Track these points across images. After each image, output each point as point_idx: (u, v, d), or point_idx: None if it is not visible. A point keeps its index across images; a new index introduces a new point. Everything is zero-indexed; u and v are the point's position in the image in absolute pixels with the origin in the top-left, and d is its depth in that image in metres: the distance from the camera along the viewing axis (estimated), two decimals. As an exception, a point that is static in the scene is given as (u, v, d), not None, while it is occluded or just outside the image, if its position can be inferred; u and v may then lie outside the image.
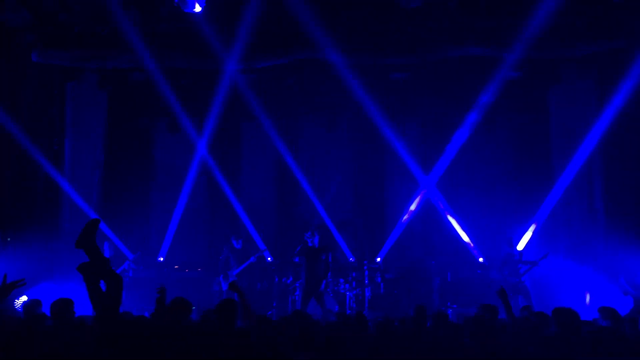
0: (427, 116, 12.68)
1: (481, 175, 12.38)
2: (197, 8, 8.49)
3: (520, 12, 8.97)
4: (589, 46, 9.71)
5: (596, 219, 10.56)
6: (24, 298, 9.13)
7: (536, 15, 8.84)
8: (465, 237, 11.90)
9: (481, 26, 9.59)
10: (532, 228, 10.88)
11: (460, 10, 9.17)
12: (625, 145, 9.99)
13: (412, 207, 12.22)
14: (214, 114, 11.51)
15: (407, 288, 10.99)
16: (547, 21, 8.80)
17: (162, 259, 11.86)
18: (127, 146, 12.31)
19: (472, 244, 11.79)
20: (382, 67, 10.58)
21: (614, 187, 10.26)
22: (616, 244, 9.77)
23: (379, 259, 11.90)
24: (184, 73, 11.10)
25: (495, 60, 10.10)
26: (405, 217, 12.16)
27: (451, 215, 12.08)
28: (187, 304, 5.06)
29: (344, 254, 12.21)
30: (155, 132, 12.98)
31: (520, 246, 10.69)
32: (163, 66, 10.39)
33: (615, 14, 9.12)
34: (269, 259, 11.92)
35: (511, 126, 12.35)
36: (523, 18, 8.97)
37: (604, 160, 10.49)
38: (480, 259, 11.65)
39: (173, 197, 12.16)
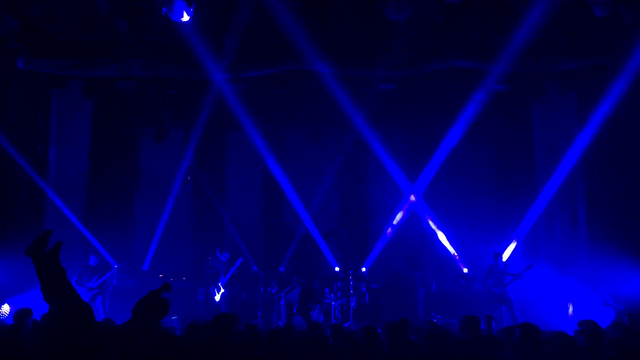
0: (414, 128, 12.79)
1: (466, 186, 12.50)
2: (185, 17, 8.49)
3: (505, 27, 9.12)
4: (572, 62, 9.92)
5: (578, 230, 10.71)
6: (6, 307, 9.05)
7: (521, 31, 8.99)
8: (449, 248, 11.98)
9: (467, 40, 9.73)
10: (513, 244, 10.98)
11: (446, 24, 9.30)
12: (607, 158, 10.16)
13: (395, 221, 12.29)
14: (200, 124, 11.51)
15: (391, 298, 11.01)
16: (531, 37, 8.96)
17: (146, 268, 11.77)
18: (113, 155, 12.25)
19: (456, 255, 11.88)
20: (369, 79, 10.66)
21: (596, 199, 10.42)
22: (598, 255, 9.90)
23: (364, 269, 11.92)
24: (171, 82, 11.09)
25: (480, 74, 10.25)
26: (389, 230, 12.23)
27: (436, 226, 12.16)
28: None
29: (329, 264, 12.24)
30: (141, 141, 12.94)
31: (504, 257, 10.80)
32: (150, 75, 10.39)
33: (598, 32, 9.30)
34: (254, 268, 11.91)
35: (496, 139, 12.51)
36: (508, 33, 9.12)
37: (586, 173, 10.66)
38: (465, 270, 11.74)
39: (158, 206, 12.12)
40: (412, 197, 12.20)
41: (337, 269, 12.06)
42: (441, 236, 12.08)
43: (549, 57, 9.81)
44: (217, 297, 10.39)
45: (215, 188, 12.39)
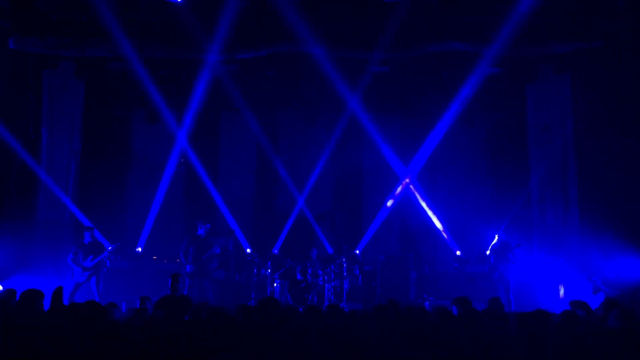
0: (407, 110, 12.77)
1: (459, 168, 12.53)
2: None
3: (499, 9, 9.09)
4: (566, 45, 9.90)
5: (570, 213, 10.78)
6: (-1, 287, 9.04)
7: (515, 13, 8.96)
8: (442, 230, 12.05)
9: (461, 22, 9.69)
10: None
11: (440, 6, 9.25)
12: (599, 142, 10.20)
13: (389, 204, 12.33)
14: (193, 105, 11.44)
15: (384, 280, 11.09)
16: (525, 19, 8.93)
17: (140, 249, 11.78)
18: (105, 135, 12.16)
19: (446, 236, 11.95)
20: (363, 61, 10.61)
21: (589, 181, 10.48)
22: (589, 238, 9.98)
23: (357, 251, 11.98)
24: (164, 63, 11.00)
25: (474, 56, 10.22)
26: (390, 202, 12.22)
27: (429, 209, 12.21)
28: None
29: (323, 246, 12.28)
30: (134, 122, 12.85)
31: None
32: (142, 55, 10.28)
33: (592, 14, 9.28)
34: (248, 250, 11.92)
35: (489, 121, 12.51)
36: (502, 15, 9.09)
37: (578, 155, 10.70)
38: (458, 252, 11.81)
39: (151, 187, 12.07)
40: (406, 180, 12.22)
41: (330, 251, 12.13)
42: (434, 218, 12.12)
43: (543, 39, 9.80)
44: None
45: (208, 169, 12.35)
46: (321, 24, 9.58)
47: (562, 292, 10.02)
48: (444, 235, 12.03)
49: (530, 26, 9.10)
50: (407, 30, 9.74)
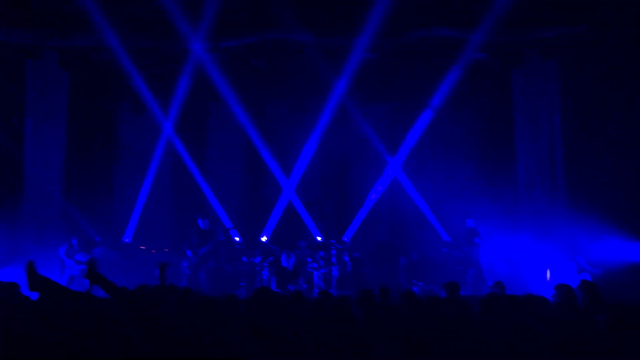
0: (395, 97, 12.77)
1: (446, 154, 12.59)
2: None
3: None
4: (552, 30, 9.92)
5: (557, 197, 10.85)
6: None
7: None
8: (430, 216, 12.12)
9: (447, 7, 9.67)
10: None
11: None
12: (586, 127, 10.26)
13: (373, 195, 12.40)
14: (179, 95, 11.39)
15: (373, 267, 11.16)
16: (512, 4, 8.94)
17: (127, 240, 11.74)
18: (91, 126, 12.07)
19: (434, 223, 12.05)
20: (349, 48, 10.57)
21: (576, 167, 10.55)
22: (576, 222, 10.06)
23: (346, 239, 12.02)
24: (149, 52, 10.89)
25: (460, 42, 10.22)
26: (373, 196, 12.31)
27: (418, 195, 12.26)
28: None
29: (311, 234, 12.31)
30: (120, 113, 12.78)
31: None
32: (127, 45, 10.19)
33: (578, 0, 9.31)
34: (237, 238, 11.91)
35: (476, 107, 12.55)
36: (489, 0, 9.08)
37: (565, 140, 10.76)
38: (446, 238, 11.89)
39: (139, 177, 12.03)
40: (394, 166, 12.27)
41: (319, 238, 12.16)
42: (422, 205, 12.18)
43: (529, 24, 9.82)
44: None
45: (196, 159, 12.31)
46: (307, 10, 9.53)
47: (549, 275, 10.12)
48: (432, 221, 12.10)
49: (515, 11, 9.11)
50: (393, 17, 9.71)
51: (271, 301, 5.00)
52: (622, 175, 9.96)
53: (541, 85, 11.04)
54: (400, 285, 10.63)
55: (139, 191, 11.91)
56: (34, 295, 4.99)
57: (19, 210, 10.61)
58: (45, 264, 9.90)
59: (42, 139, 11.01)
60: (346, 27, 10.00)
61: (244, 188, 13.16)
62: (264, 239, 11.88)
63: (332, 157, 13.04)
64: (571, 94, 10.57)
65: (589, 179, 10.25)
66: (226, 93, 11.64)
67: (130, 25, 9.85)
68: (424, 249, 11.87)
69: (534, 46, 10.76)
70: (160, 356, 3.80)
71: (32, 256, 10.07)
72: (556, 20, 9.82)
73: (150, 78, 11.14)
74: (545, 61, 10.94)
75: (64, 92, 11.35)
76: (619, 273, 8.94)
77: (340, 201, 13.00)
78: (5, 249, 9.91)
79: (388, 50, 10.84)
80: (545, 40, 10.26)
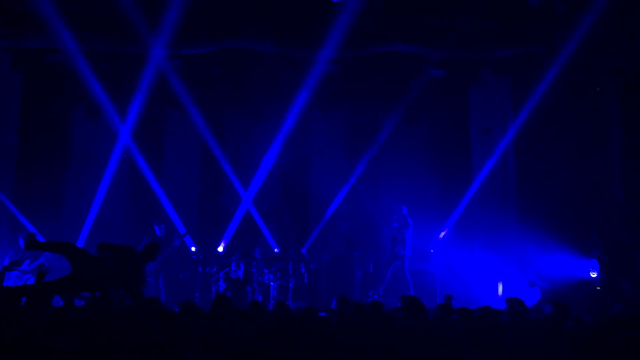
0: (355, 110, 12.85)
1: (403, 168, 12.69)
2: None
3: (443, 12, 9.28)
4: (506, 49, 10.22)
5: (508, 212, 11.13)
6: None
7: (459, 17, 9.18)
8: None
9: (407, 24, 9.84)
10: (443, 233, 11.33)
11: (387, 7, 9.37)
12: (537, 144, 10.59)
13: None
14: (137, 100, 11.18)
15: (329, 279, 11.17)
16: (468, 23, 9.17)
17: (80, 245, 11.41)
18: (44, 130, 11.73)
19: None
20: (310, 59, 10.62)
21: (526, 183, 10.87)
22: (527, 237, 10.33)
23: (303, 250, 11.99)
24: (106, 56, 10.70)
25: (419, 58, 10.41)
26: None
27: (374, 207, 12.34)
28: None
29: (269, 244, 12.23)
30: (74, 116, 12.44)
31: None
32: (83, 48, 9.98)
33: (531, 20, 9.61)
34: (193, 248, 11.75)
35: (433, 122, 12.73)
36: (446, 18, 9.29)
37: (517, 156, 11.07)
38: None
39: (93, 183, 11.73)
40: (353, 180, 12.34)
41: (276, 250, 12.09)
42: (379, 217, 12.27)
43: (485, 43, 10.08)
44: None
45: (152, 165, 12.09)
46: (268, 21, 9.55)
47: (500, 289, 10.33)
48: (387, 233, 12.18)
49: (472, 30, 9.36)
50: (355, 31, 9.82)
51: (230, 312, 4.97)
52: (570, 191, 10.33)
53: (496, 103, 11.34)
54: (356, 297, 10.67)
55: (92, 197, 11.62)
56: None
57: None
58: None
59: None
60: (307, 38, 10.05)
61: (201, 196, 12.99)
62: (220, 248, 11.74)
63: (291, 167, 13.01)
64: (524, 111, 10.88)
65: (540, 195, 10.56)
66: (185, 100, 11.51)
67: (86, 28, 9.65)
68: (380, 262, 11.94)
69: (489, 65, 11.05)
70: None
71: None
72: (511, 40, 10.12)
73: (107, 82, 10.93)
74: (500, 80, 11.25)
75: (17, 95, 11.08)
76: (564, 288, 9.21)
77: (299, 212, 12.97)
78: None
79: (349, 63, 10.94)
80: (501, 59, 10.57)
